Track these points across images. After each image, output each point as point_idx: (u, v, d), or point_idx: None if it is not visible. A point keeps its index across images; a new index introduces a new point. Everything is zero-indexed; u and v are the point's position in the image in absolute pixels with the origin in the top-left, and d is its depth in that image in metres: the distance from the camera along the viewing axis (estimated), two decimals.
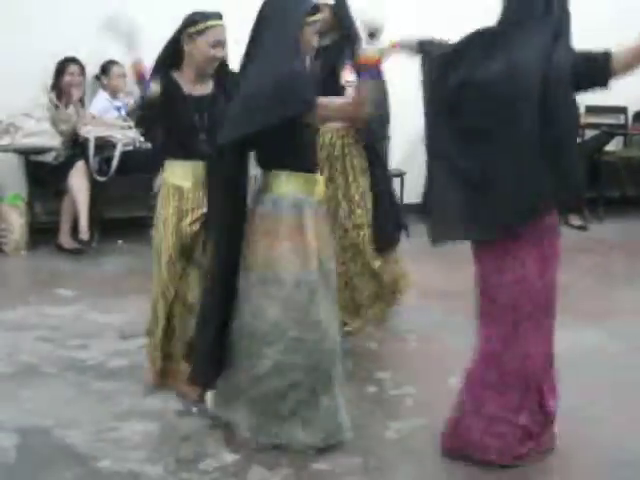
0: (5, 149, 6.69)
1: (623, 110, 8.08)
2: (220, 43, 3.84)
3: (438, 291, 5.57)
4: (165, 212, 3.94)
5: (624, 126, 8.17)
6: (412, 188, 7.37)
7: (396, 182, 7.27)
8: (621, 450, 3.64)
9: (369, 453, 3.62)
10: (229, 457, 3.56)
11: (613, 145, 8.15)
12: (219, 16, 3.87)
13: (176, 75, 3.93)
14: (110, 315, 5.13)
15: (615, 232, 7.27)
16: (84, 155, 6.68)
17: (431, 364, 4.53)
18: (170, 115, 3.92)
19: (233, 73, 3.81)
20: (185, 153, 3.92)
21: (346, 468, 3.51)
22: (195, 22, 3.82)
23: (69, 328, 4.91)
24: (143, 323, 4.85)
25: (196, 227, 3.92)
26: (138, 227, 6.52)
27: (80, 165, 6.68)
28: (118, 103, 6.74)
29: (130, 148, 6.70)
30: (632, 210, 7.75)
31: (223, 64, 3.93)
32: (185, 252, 3.94)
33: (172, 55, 3.90)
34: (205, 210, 3.83)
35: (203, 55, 3.84)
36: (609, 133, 7.89)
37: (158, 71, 3.91)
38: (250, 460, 3.53)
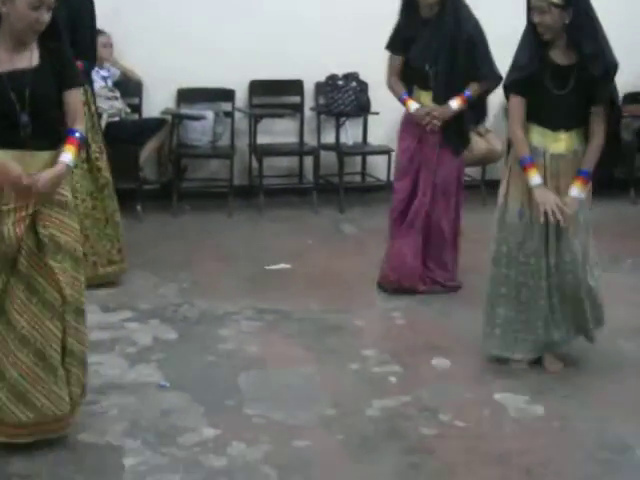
0: None
1: None
2: (44, 4, 3.13)
3: None
4: None
5: None
6: None
7: (383, 159, 7.27)
8: (602, 434, 3.64)
9: (351, 430, 3.60)
10: (209, 432, 3.54)
11: None
12: None
13: None
14: (94, 288, 5.08)
15: (600, 214, 7.23)
16: None
17: (416, 343, 4.50)
18: None
19: (60, 44, 3.31)
20: (2, 141, 3.17)
21: (327, 445, 3.49)
22: None
23: None
24: (127, 296, 4.83)
25: (20, 231, 3.18)
26: (125, 199, 6.47)
27: None
28: (104, 73, 6.63)
29: (117, 119, 6.61)
30: (618, 192, 7.71)
31: (54, 31, 3.27)
32: (7, 262, 3.21)
33: None
34: (33, 209, 3.19)
35: (22, 19, 3.12)
36: None
37: None
38: (230, 436, 3.51)
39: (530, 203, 3.99)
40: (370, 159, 7.59)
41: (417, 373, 4.16)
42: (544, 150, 3.97)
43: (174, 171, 7.04)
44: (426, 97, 5.02)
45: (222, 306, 4.91)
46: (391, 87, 5.13)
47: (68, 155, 3.25)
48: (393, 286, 5.18)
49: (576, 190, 3.94)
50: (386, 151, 7.17)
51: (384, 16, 5.12)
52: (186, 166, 7.23)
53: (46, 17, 3.16)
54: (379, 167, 7.45)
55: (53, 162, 3.25)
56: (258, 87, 7.32)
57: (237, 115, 7.27)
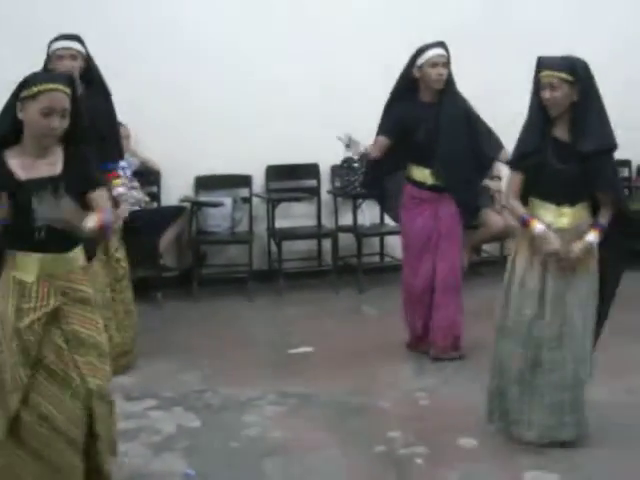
0: None
1: (627, 163, 8.08)
2: (54, 111, 3.18)
3: None
4: (3, 307, 3.28)
5: (628, 179, 8.17)
6: None
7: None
8: None
9: None
10: None
11: None
12: (62, 79, 3.27)
13: (11, 153, 3.26)
14: (118, 376, 5.07)
15: (629, 284, 7.18)
16: None
17: (441, 423, 4.46)
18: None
19: (82, 148, 3.37)
20: (24, 245, 3.27)
21: None
22: (27, 84, 3.20)
23: None
24: (150, 384, 4.80)
25: (38, 328, 3.27)
26: (145, 286, 6.51)
27: None
28: (123, 163, 6.73)
29: (136, 208, 6.69)
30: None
31: (77, 135, 3.34)
32: (29, 357, 3.26)
33: (9, 126, 3.26)
34: (48, 309, 3.28)
35: (34, 125, 3.20)
36: None
37: None
38: None
39: (531, 271, 4.03)
40: (388, 239, 7.62)
41: (444, 454, 4.11)
42: (549, 225, 3.99)
43: (193, 258, 7.09)
44: (421, 173, 5.31)
45: (245, 392, 4.90)
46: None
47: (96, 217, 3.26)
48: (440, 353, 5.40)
49: (592, 235, 3.98)
50: None
51: None
52: (205, 253, 7.28)
53: (58, 123, 3.21)
54: (397, 247, 7.42)
55: (77, 260, 3.36)
56: (275, 172, 7.42)
57: (255, 200, 7.35)
